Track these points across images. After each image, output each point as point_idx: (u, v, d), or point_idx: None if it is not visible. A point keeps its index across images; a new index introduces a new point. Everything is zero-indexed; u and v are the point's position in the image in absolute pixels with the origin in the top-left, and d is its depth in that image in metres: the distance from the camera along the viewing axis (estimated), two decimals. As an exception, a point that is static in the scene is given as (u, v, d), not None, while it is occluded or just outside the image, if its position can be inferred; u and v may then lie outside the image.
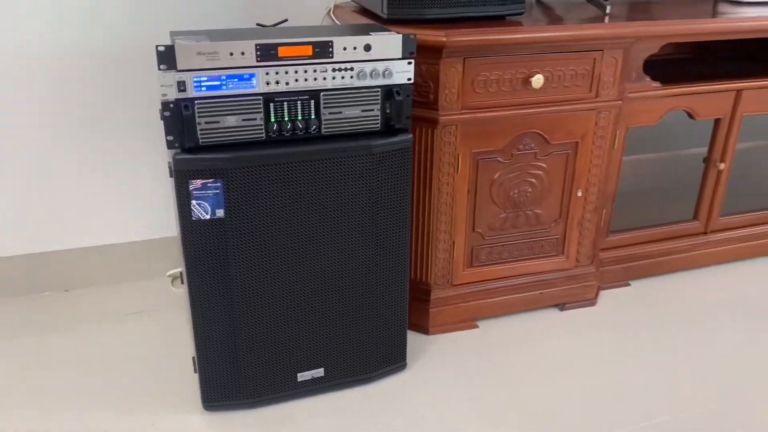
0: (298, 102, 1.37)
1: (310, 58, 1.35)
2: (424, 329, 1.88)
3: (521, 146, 1.75)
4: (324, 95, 1.38)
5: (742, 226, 2.23)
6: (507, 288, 1.92)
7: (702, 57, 2.29)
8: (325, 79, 1.37)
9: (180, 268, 2.04)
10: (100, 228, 2.03)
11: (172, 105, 1.29)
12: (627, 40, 1.71)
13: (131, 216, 2.05)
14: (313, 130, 1.40)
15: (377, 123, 1.44)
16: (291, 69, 1.34)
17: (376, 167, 1.45)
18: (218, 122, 1.33)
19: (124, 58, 1.86)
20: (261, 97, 1.34)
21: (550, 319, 1.96)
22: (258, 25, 1.86)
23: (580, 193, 1.85)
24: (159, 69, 1.27)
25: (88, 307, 1.98)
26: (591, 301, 2.03)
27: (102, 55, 1.84)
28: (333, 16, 1.88)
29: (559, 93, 1.70)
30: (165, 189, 2.04)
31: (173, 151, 1.33)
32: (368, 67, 1.39)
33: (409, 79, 1.44)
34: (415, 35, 1.42)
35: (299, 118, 1.38)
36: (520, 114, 1.69)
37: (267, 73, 1.33)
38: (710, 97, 1.95)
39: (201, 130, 1.32)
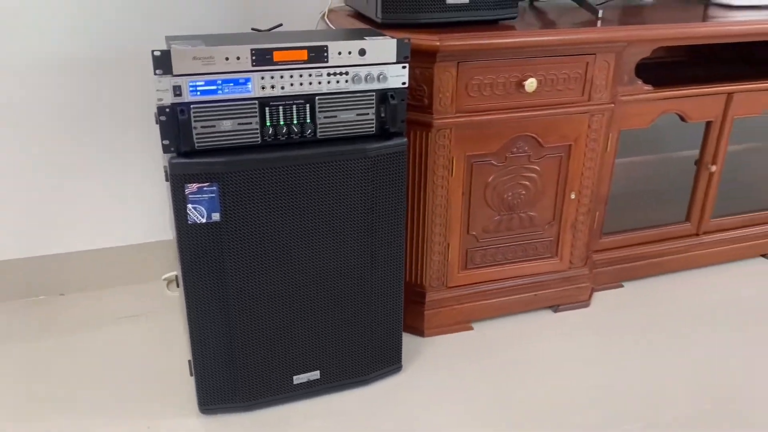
0: (294, 106, 1.38)
1: (305, 62, 1.36)
2: (419, 331, 1.89)
3: (515, 149, 1.76)
4: (319, 99, 1.39)
5: (734, 228, 2.25)
6: (501, 290, 1.93)
7: (693, 60, 2.31)
8: (320, 83, 1.38)
9: (175, 272, 2.04)
10: (95, 231, 2.03)
11: (168, 109, 1.30)
12: (619, 44, 1.73)
13: (126, 219, 2.05)
14: (309, 134, 1.40)
15: (372, 127, 1.45)
16: (286, 73, 1.35)
17: (371, 171, 1.46)
18: (214, 126, 1.34)
19: (120, 62, 1.86)
20: (256, 102, 1.35)
21: (544, 320, 1.97)
22: (253, 29, 1.87)
23: (573, 196, 1.87)
24: (155, 74, 1.27)
25: (83, 310, 1.98)
26: (585, 303, 2.04)
27: (97, 59, 1.84)
28: (327, 21, 1.90)
29: (552, 96, 1.72)
30: (160, 192, 2.04)
31: (169, 155, 1.34)
32: (363, 72, 1.40)
33: (404, 83, 1.45)
34: (409, 40, 1.43)
35: (294, 122, 1.39)
36: (514, 117, 1.71)
37: (262, 78, 1.34)
38: (701, 100, 1.97)
39: (197, 134, 1.33)
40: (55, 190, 1.95)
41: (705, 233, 2.21)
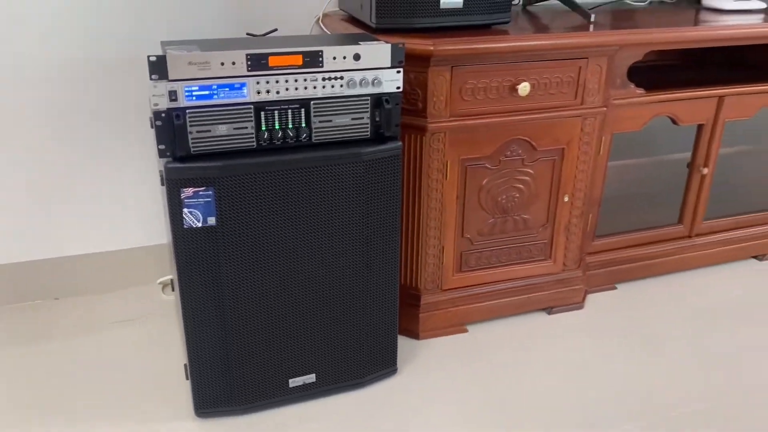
0: (289, 111, 1.39)
1: (300, 67, 1.37)
2: (414, 334, 1.89)
3: (509, 153, 1.78)
4: (314, 104, 1.40)
5: (726, 230, 2.26)
6: (496, 292, 1.94)
7: (685, 63, 2.33)
8: (315, 87, 1.39)
9: (170, 276, 2.05)
10: (90, 235, 2.03)
11: (163, 114, 1.30)
12: (611, 48, 1.74)
13: (121, 224, 2.05)
14: (304, 139, 1.41)
15: (367, 131, 1.46)
16: (281, 78, 1.36)
17: (366, 174, 1.47)
18: (209, 131, 1.34)
19: (115, 66, 1.86)
20: (252, 106, 1.36)
21: (538, 322, 1.99)
22: (248, 34, 1.88)
23: (566, 199, 1.88)
24: (150, 79, 1.28)
25: (78, 315, 1.98)
26: (578, 305, 2.05)
27: (93, 63, 1.84)
28: (322, 25, 1.91)
29: (545, 100, 1.73)
30: (155, 197, 2.05)
31: (165, 159, 1.34)
32: (357, 76, 1.41)
33: (398, 88, 1.46)
34: (403, 44, 1.44)
35: (290, 126, 1.40)
36: (508, 121, 1.72)
37: (258, 83, 1.35)
38: (693, 104, 1.98)
39: (192, 138, 1.33)
40: (50, 194, 1.95)
41: (697, 235, 2.23)
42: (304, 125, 1.41)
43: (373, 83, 1.43)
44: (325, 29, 1.90)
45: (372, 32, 1.62)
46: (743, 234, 2.28)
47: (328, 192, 1.45)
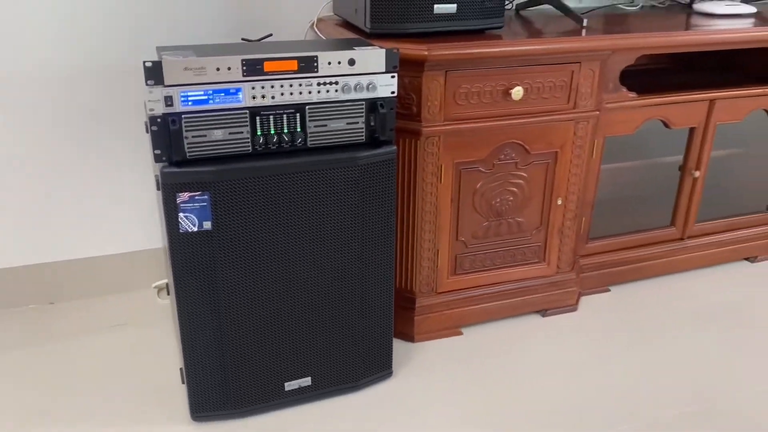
0: (284, 115, 1.40)
1: (295, 72, 1.37)
2: (409, 337, 1.90)
3: (502, 156, 1.79)
4: (309, 109, 1.41)
5: (718, 232, 2.28)
6: (490, 295, 1.95)
7: (677, 67, 2.35)
8: (310, 92, 1.40)
9: (165, 279, 2.05)
10: (84, 240, 2.03)
11: (159, 119, 1.31)
12: (603, 53, 1.76)
13: (115, 228, 2.05)
14: (299, 143, 1.42)
15: (362, 135, 1.47)
16: (277, 83, 1.37)
17: (361, 178, 1.48)
18: (205, 136, 1.35)
19: (113, 72, 1.87)
20: (247, 111, 1.36)
21: (532, 324, 2.00)
22: (243, 39, 1.88)
23: (560, 202, 1.89)
24: (146, 84, 1.28)
25: (73, 319, 1.98)
26: (572, 307, 2.06)
27: (90, 69, 1.84)
28: (316, 30, 1.92)
29: (538, 104, 1.74)
30: (150, 201, 2.05)
31: (161, 164, 1.35)
32: (352, 81, 1.42)
33: (393, 93, 1.47)
34: (398, 50, 1.45)
35: (285, 131, 1.41)
36: (501, 125, 1.73)
37: (253, 88, 1.35)
38: (684, 107, 2.00)
39: (188, 143, 1.34)
40: (45, 199, 1.95)
41: (689, 237, 2.24)
42: (299, 130, 1.41)
43: (367, 88, 1.44)
44: (319, 34, 1.91)
45: (366, 37, 1.63)
46: (735, 236, 2.30)
47: (323, 196, 1.46)
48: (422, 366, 1.80)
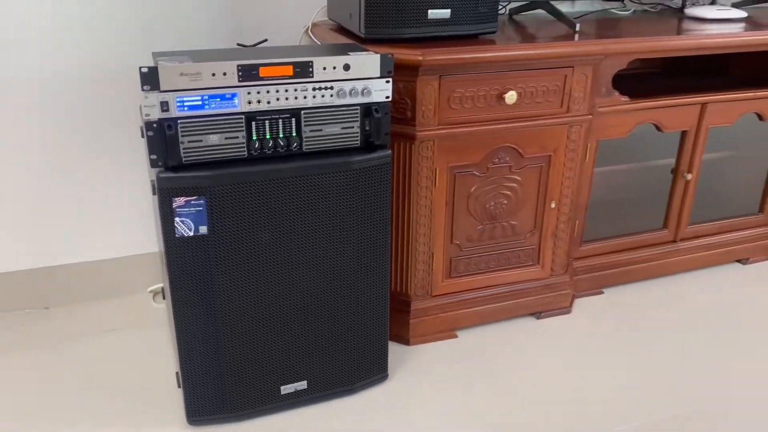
0: (280, 120, 1.40)
1: (290, 77, 1.38)
2: (404, 340, 1.91)
3: (496, 160, 1.80)
4: (305, 113, 1.42)
5: (710, 234, 2.30)
6: (485, 298, 1.96)
7: (669, 71, 2.37)
8: (305, 97, 1.41)
9: (161, 284, 2.05)
10: (80, 245, 2.03)
11: (155, 125, 1.32)
12: (596, 57, 1.77)
13: (111, 232, 2.05)
14: (295, 148, 1.43)
15: (357, 140, 1.48)
16: (272, 88, 1.37)
17: (356, 183, 1.48)
18: (201, 141, 1.35)
19: (109, 78, 1.87)
20: (243, 116, 1.37)
21: (526, 327, 2.01)
22: (238, 45, 1.89)
23: (553, 205, 1.91)
24: (142, 89, 1.29)
25: (69, 324, 1.98)
26: (566, 309, 2.08)
27: (85, 74, 1.85)
28: (311, 35, 1.92)
29: (531, 108, 1.76)
30: (145, 205, 2.05)
31: (157, 169, 1.35)
32: (347, 86, 1.43)
33: (388, 97, 1.48)
34: (392, 55, 1.46)
35: (280, 136, 1.41)
36: (495, 129, 1.74)
37: (249, 93, 1.36)
38: (676, 111, 2.02)
39: (184, 148, 1.34)
40: (40, 204, 1.95)
41: (682, 240, 2.26)
42: (294, 135, 1.42)
43: (362, 93, 1.45)
44: (314, 39, 1.92)
45: (361, 42, 1.63)
46: (727, 238, 2.32)
47: (318, 200, 1.46)
48: (417, 369, 1.81)
